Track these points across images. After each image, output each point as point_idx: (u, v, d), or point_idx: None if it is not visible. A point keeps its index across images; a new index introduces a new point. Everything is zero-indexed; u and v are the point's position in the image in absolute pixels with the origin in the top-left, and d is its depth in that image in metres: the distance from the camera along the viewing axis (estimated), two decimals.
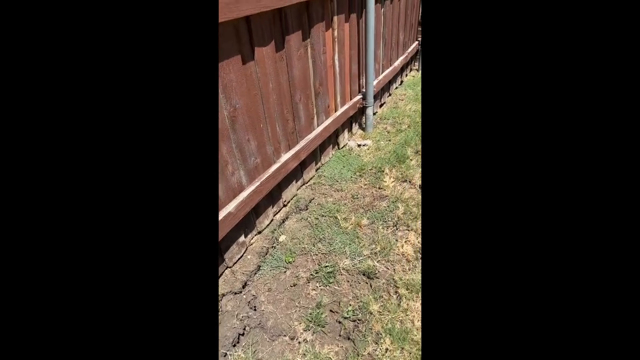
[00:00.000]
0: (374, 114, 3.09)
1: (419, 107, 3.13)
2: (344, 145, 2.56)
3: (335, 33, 2.03)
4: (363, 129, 2.71)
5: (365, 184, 2.09)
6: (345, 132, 2.54)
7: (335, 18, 1.98)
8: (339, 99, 2.30)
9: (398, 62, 3.36)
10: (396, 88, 3.67)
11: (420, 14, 3.89)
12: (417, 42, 4.01)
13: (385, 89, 3.24)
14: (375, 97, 3.01)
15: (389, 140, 2.60)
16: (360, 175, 2.18)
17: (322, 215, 1.85)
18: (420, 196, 1.95)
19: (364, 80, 2.49)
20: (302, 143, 1.89)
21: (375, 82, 2.79)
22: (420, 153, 2.38)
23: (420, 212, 1.83)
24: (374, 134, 2.70)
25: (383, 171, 2.19)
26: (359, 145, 2.55)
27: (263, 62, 1.46)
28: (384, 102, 3.34)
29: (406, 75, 4.03)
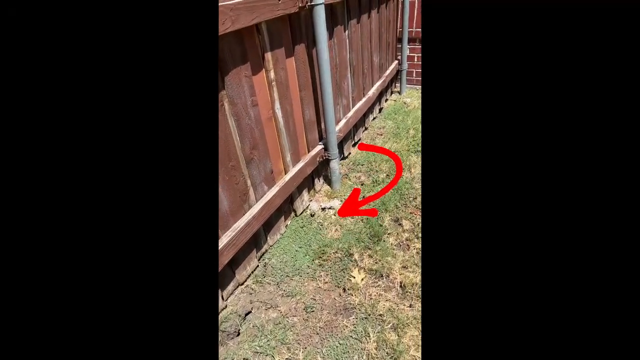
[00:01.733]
0: (346, 157, 2.51)
1: (400, 144, 2.56)
2: (304, 211, 1.97)
3: (272, 74, 1.46)
4: (330, 184, 2.13)
5: (326, 282, 1.50)
6: (305, 193, 1.96)
7: (268, 55, 1.41)
8: (289, 158, 1.72)
9: (373, 90, 2.80)
10: (374, 119, 3.11)
11: (398, 29, 3.36)
12: (396, 62, 3.47)
13: (359, 124, 2.67)
14: (346, 138, 2.44)
15: (362, 199, 2.01)
16: (320, 264, 1.58)
17: (257, 353, 1.24)
18: (404, 304, 1.35)
19: (324, 127, 1.91)
20: (226, 238, 1.29)
21: (342, 123, 2.22)
22: (402, 220, 1.79)
23: (405, 333, 1.23)
24: (343, 190, 2.12)
25: (352, 255, 1.60)
26: (323, 209, 1.96)
27: None
28: (360, 139, 2.77)
29: (386, 100, 3.48)
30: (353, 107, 2.47)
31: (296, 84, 1.69)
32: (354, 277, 1.48)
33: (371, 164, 2.36)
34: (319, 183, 2.13)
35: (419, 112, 3.05)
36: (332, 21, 1.93)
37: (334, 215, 1.91)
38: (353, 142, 2.67)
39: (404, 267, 1.52)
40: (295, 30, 1.57)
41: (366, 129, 2.92)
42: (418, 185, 2.06)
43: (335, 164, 1.99)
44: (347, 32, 2.17)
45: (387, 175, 2.23)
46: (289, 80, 1.60)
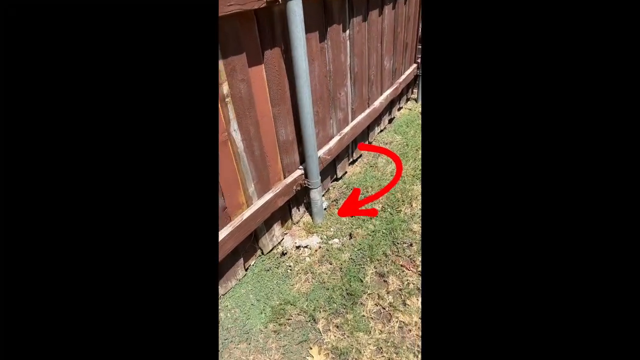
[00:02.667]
0: (339, 178, 2.16)
1: (405, 167, 2.17)
2: (275, 247, 1.64)
3: (225, 89, 1.12)
4: (312, 215, 1.79)
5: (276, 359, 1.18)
6: (276, 227, 1.63)
7: (220, 64, 1.07)
8: (252, 188, 1.39)
9: (381, 100, 2.41)
10: (381, 131, 2.72)
11: (419, 28, 2.92)
12: (414, 66, 3.04)
13: (360, 139, 2.29)
14: (341, 156, 2.08)
15: (347, 238, 1.66)
16: (275, 331, 1.26)
17: None
18: None
19: (304, 149, 1.56)
20: None
21: (334, 142, 1.86)
22: (388, 276, 1.43)
23: None
24: (328, 223, 1.77)
25: (316, 322, 1.27)
26: (297, 247, 1.63)
27: None
28: (359, 157, 2.39)
29: (399, 108, 3.07)
30: (352, 120, 2.10)
31: (267, 98, 1.34)
32: (312, 358, 1.15)
33: (367, 190, 2.00)
34: (299, 213, 1.79)
35: None
36: (326, 19, 1.56)
37: (309, 257, 1.58)
38: (350, 161, 2.30)
39: (379, 350, 1.17)
40: (264, 31, 1.22)
41: (370, 143, 2.54)
42: (417, 227, 1.68)
43: (316, 195, 1.64)
44: (347, 32, 1.79)
45: (383, 208, 1.86)
46: (255, 94, 1.26)
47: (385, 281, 1.42)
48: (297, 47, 1.23)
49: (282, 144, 1.49)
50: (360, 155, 2.41)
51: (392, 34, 2.39)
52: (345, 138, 1.97)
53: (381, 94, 2.48)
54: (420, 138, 2.52)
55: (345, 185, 2.09)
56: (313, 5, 1.42)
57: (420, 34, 2.90)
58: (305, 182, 1.61)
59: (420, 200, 1.87)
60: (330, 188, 2.07)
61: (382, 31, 2.21)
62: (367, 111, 2.23)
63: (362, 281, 1.42)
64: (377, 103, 2.35)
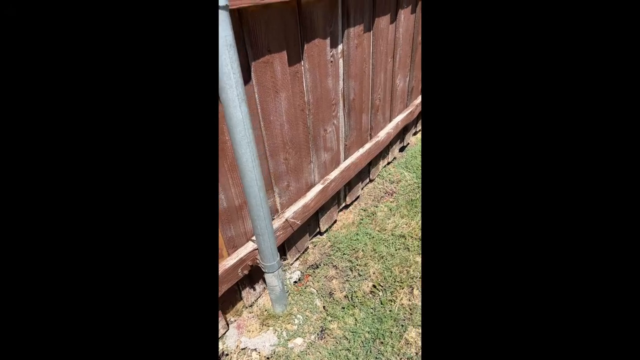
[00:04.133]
0: (323, 233, 1.68)
1: (411, 224, 1.66)
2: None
3: None
4: (271, 300, 1.32)
5: None
6: (219, 316, 1.18)
7: None
8: None
9: (388, 130, 1.89)
10: (388, 164, 2.20)
11: None
12: None
13: (355, 182, 1.80)
14: (325, 207, 1.59)
15: (316, 336, 1.19)
16: None
17: None
18: None
19: (253, 222, 1.08)
20: None
21: (311, 196, 1.37)
22: None
23: None
24: (295, 308, 1.31)
25: None
26: (243, 350, 1.18)
27: None
28: (355, 199, 1.90)
29: (415, 133, 2.53)
30: (345, 159, 1.61)
31: None
32: None
33: (356, 256, 1.51)
34: (254, 292, 1.32)
35: None
36: (303, 33, 1.07)
37: None
38: (342, 206, 1.81)
39: None
40: None
41: (371, 180, 2.04)
42: (414, 334, 1.19)
43: (273, 279, 1.17)
44: (339, 47, 1.29)
45: (375, 286, 1.37)
46: None
47: None
48: (225, 88, 0.75)
49: (223, 212, 1.03)
50: (358, 197, 1.92)
51: (409, 45, 1.86)
52: (331, 186, 1.48)
53: (390, 121, 1.96)
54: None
55: (329, 244, 1.61)
56: (277, 14, 0.93)
57: None
58: (259, 260, 1.15)
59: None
60: (309, 247, 1.60)
61: (394, 42, 1.69)
62: (368, 146, 1.73)
63: None
64: (382, 134, 1.84)
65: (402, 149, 2.36)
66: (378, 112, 1.77)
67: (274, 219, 1.23)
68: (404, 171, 2.10)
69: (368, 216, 1.77)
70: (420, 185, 1.96)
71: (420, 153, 2.29)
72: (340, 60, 1.33)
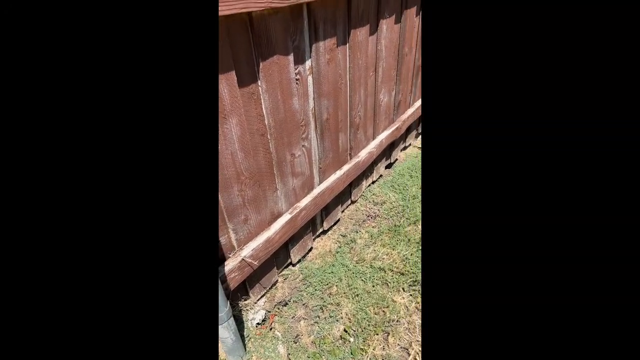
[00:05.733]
0: (295, 264, 1.53)
1: (393, 253, 1.51)
2: None
3: None
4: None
5: None
6: None
7: None
8: None
9: (370, 149, 1.75)
10: (372, 183, 2.05)
11: None
12: None
13: (333, 205, 1.65)
14: (294, 239, 1.45)
15: None
16: None
17: None
18: None
19: None
20: None
21: (276, 229, 1.22)
22: None
23: None
24: (254, 358, 1.15)
25: None
26: None
27: None
28: (335, 223, 1.75)
29: (404, 148, 2.38)
30: (320, 183, 1.46)
31: None
32: None
33: (329, 292, 1.36)
34: None
35: None
36: (257, 50, 0.93)
37: None
38: (319, 232, 1.67)
39: None
40: None
41: (353, 202, 1.89)
42: None
43: (223, 331, 1.01)
44: (307, 64, 1.14)
45: (347, 331, 1.22)
46: None
47: None
48: None
49: None
50: (338, 221, 1.77)
51: (394, 57, 1.72)
52: (301, 215, 1.34)
53: (373, 139, 1.82)
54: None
55: (302, 277, 1.46)
56: (221, 30, 0.79)
57: None
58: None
59: (401, 331, 1.21)
60: (278, 280, 1.45)
61: (376, 55, 1.55)
62: (347, 167, 1.58)
63: None
64: (363, 154, 1.69)
65: (389, 166, 2.21)
66: (358, 130, 1.63)
67: (228, 258, 1.08)
68: (389, 192, 1.95)
69: (347, 243, 1.62)
70: (404, 207, 1.81)
71: (409, 171, 2.14)
72: (309, 78, 1.18)
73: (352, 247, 1.59)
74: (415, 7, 1.71)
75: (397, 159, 2.29)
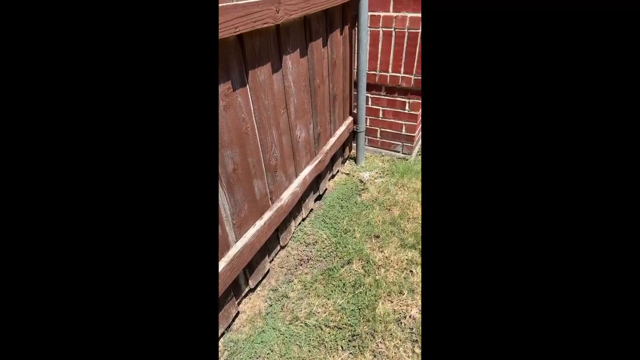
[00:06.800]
0: (219, 336, 1.31)
1: (333, 300, 1.38)
2: None
3: None
4: None
5: None
6: None
7: None
8: None
9: (294, 189, 1.62)
10: (302, 220, 1.93)
11: (355, 68, 2.21)
12: (350, 120, 2.31)
13: (257, 260, 1.47)
14: None
15: None
16: None
17: None
18: None
19: None
20: None
21: None
22: None
23: None
24: None
25: None
26: None
27: None
28: (263, 278, 1.57)
29: (332, 176, 2.31)
30: (235, 242, 1.28)
31: None
32: None
33: None
34: None
35: (388, 201, 1.89)
36: None
37: None
38: (240, 297, 1.47)
39: None
40: None
41: (283, 247, 1.74)
42: None
43: None
44: None
45: None
46: None
47: None
48: None
49: None
50: (267, 273, 1.59)
51: (306, 91, 1.64)
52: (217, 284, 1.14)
53: (296, 177, 1.70)
54: (358, 233, 1.76)
55: (227, 354, 1.25)
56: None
57: (356, 77, 2.19)
58: None
59: None
60: None
61: (284, 92, 1.44)
62: (269, 215, 1.43)
63: None
64: (286, 196, 1.56)
65: (319, 198, 2.12)
66: (277, 172, 1.50)
67: None
68: (320, 229, 1.83)
69: (278, 299, 1.45)
70: (337, 244, 1.71)
71: (339, 201, 2.06)
72: None
73: (284, 304, 1.42)
74: (321, 39, 1.65)
75: (326, 189, 2.21)
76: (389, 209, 1.95)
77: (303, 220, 1.92)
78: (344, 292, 1.44)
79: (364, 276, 1.51)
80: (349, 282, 1.48)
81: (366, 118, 2.42)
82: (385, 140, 2.52)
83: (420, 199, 1.99)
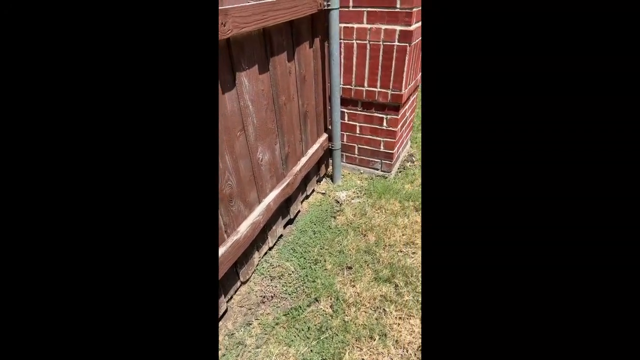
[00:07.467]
0: None
1: (295, 347, 1.21)
2: None
3: None
4: None
5: None
6: None
7: None
8: None
9: (253, 219, 1.45)
10: (269, 249, 1.76)
11: (328, 83, 2.07)
12: (324, 137, 2.17)
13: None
14: None
15: None
16: None
17: None
18: None
19: None
20: None
21: None
22: None
23: None
24: None
25: None
26: None
27: None
28: (225, 312, 1.39)
29: (306, 197, 2.16)
30: None
31: None
32: None
33: None
34: None
35: (364, 225, 1.74)
36: None
37: None
38: None
39: None
40: None
41: (244, 283, 1.56)
42: None
43: None
44: None
45: None
46: None
47: None
48: None
49: None
50: (225, 313, 1.41)
51: (269, 109, 1.49)
52: None
53: (259, 203, 1.54)
54: (329, 264, 1.60)
55: None
56: None
57: (330, 92, 2.05)
58: None
59: None
60: None
61: (241, 112, 1.28)
62: (222, 251, 1.26)
63: None
64: (244, 228, 1.39)
65: (290, 222, 1.96)
66: (232, 202, 1.33)
67: None
68: (288, 260, 1.67)
69: (234, 348, 1.28)
70: (304, 277, 1.55)
71: (312, 225, 1.90)
72: None
73: (239, 354, 1.25)
74: (286, 52, 1.51)
75: (299, 211, 2.05)
76: (365, 235, 1.80)
77: (270, 249, 1.75)
78: (308, 337, 1.28)
79: (332, 317, 1.35)
80: (315, 325, 1.32)
81: (343, 134, 2.28)
82: (364, 158, 2.38)
83: (397, 223, 1.85)
